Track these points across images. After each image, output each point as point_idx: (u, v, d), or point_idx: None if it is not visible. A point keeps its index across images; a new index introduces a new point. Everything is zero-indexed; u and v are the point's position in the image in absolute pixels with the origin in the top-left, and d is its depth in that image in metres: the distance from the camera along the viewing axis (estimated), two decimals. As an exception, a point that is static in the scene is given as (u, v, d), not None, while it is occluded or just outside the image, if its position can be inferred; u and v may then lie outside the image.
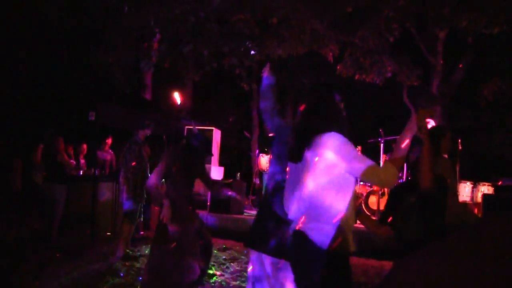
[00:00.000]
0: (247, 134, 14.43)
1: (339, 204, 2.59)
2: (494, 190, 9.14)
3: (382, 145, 9.12)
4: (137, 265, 6.27)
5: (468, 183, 9.68)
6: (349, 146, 2.57)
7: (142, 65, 9.58)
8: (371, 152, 10.05)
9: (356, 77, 11.16)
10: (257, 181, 11.80)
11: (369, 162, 2.53)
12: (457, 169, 9.36)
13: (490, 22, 9.29)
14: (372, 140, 9.35)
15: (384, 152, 9.63)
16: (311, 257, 2.61)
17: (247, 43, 9.78)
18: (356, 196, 9.92)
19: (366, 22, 10.08)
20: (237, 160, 19.34)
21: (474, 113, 14.13)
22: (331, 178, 2.59)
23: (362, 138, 9.55)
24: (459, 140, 9.70)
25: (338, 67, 11.42)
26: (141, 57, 9.63)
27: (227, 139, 14.33)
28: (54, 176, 7.49)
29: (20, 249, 6.93)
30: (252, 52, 10.22)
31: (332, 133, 2.60)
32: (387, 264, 6.70)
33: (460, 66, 12.31)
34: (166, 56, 9.30)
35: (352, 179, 2.62)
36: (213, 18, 9.10)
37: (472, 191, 9.56)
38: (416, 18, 10.59)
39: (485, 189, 9.34)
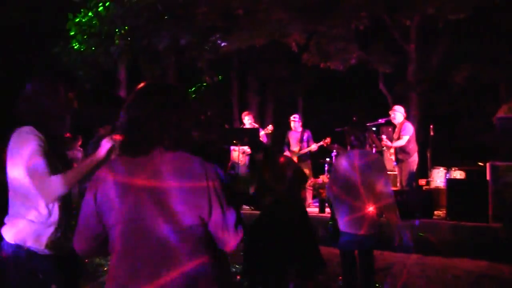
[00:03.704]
0: (227, 127, 14.33)
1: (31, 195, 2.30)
2: (466, 175, 9.12)
3: (349, 133, 8.97)
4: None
5: (442, 168, 9.65)
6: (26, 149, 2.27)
7: (101, 60, 9.53)
8: (339, 141, 9.97)
9: (321, 65, 11.10)
10: (232, 172, 11.77)
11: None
12: (428, 155, 9.34)
13: (456, 8, 9.26)
14: (339, 129, 9.21)
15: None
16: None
17: (216, 35, 9.71)
18: (318, 186, 9.92)
19: (334, 10, 9.99)
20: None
21: (451, 99, 14.09)
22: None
23: (336, 126, 9.35)
24: (431, 126, 9.67)
25: (304, 56, 11.37)
26: (101, 52, 9.54)
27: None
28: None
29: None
30: (223, 44, 10.13)
31: (24, 127, 2.34)
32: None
33: (434, 52, 12.30)
34: (123, 51, 9.25)
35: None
36: (173, 12, 9.02)
37: (445, 176, 9.55)
38: (384, 6, 10.54)
39: (458, 174, 9.30)
